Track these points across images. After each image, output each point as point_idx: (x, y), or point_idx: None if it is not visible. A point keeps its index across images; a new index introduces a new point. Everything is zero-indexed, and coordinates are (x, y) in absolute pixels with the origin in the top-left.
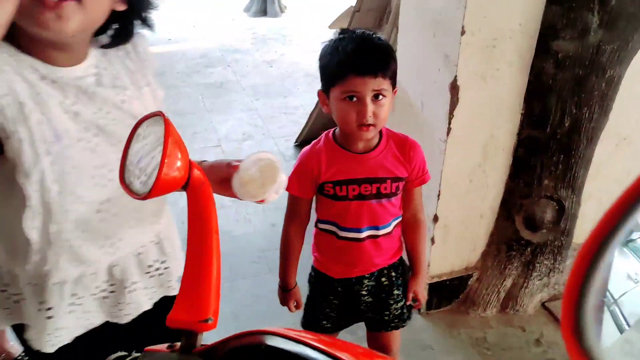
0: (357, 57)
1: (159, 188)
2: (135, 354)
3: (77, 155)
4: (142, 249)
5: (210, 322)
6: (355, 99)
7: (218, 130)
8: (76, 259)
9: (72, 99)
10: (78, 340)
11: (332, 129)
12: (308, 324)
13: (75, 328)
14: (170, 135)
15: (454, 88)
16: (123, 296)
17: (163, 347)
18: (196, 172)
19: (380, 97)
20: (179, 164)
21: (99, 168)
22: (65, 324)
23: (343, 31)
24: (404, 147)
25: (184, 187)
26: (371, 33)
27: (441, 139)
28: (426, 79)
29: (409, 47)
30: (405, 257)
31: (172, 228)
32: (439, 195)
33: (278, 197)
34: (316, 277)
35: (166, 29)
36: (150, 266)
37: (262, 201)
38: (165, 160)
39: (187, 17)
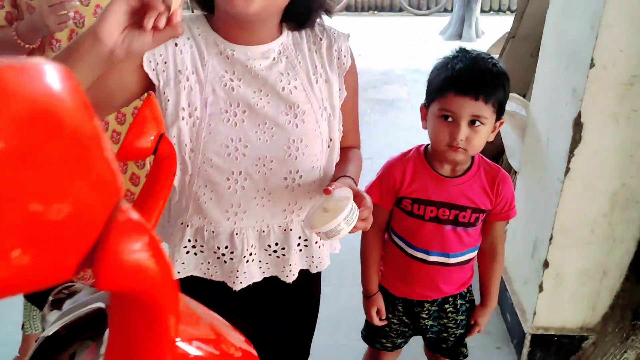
0: (461, 76)
1: (124, 152)
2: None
3: (218, 124)
4: (266, 229)
5: None
6: (450, 119)
7: (374, 144)
8: (200, 213)
9: (237, 75)
10: (197, 284)
11: (426, 144)
12: (368, 338)
13: (192, 268)
14: (142, 111)
15: (577, 125)
16: (240, 265)
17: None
18: (164, 146)
19: (478, 123)
20: (147, 135)
21: (235, 141)
22: (182, 260)
23: (460, 50)
24: (494, 179)
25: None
26: (487, 56)
27: (559, 179)
28: (554, 113)
29: (544, 78)
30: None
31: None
32: (551, 239)
33: (349, 229)
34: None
35: (360, 45)
36: (269, 246)
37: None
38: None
39: (383, 35)
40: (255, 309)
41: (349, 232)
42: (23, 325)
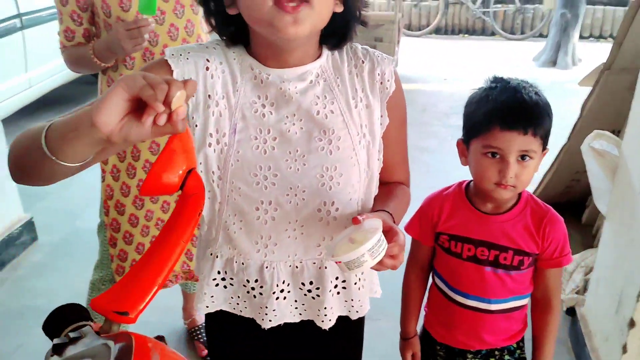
0: (507, 109)
1: (148, 186)
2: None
3: (247, 151)
4: (299, 265)
5: (126, 315)
6: (497, 156)
7: (450, 173)
8: (230, 243)
9: (269, 100)
10: (228, 320)
11: (467, 181)
12: None
13: (222, 302)
14: (170, 144)
15: None
16: (270, 301)
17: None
18: (192, 182)
19: (527, 158)
20: (175, 170)
21: (264, 169)
22: (211, 292)
23: (496, 79)
24: (541, 220)
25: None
26: (528, 84)
27: None
28: None
29: (638, 116)
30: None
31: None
32: (639, 296)
33: (374, 263)
34: (423, 335)
35: (446, 69)
36: (303, 284)
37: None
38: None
39: (472, 59)
40: (287, 352)
41: (375, 269)
42: None
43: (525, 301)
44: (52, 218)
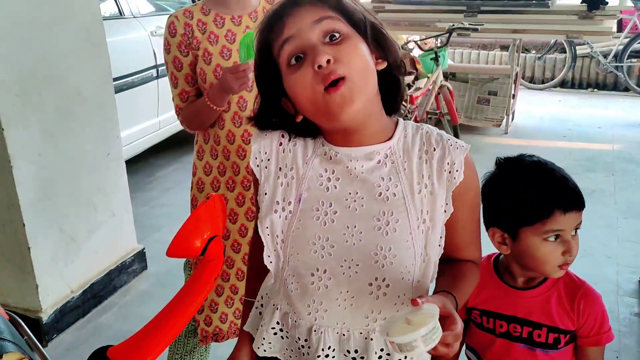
0: (564, 193)
1: (173, 249)
2: None
3: (308, 221)
4: (347, 333)
5: None
6: (558, 237)
7: None
8: (288, 299)
9: (335, 175)
10: None
11: (496, 254)
12: None
13: (277, 350)
14: (197, 211)
15: None
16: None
17: None
18: (213, 248)
19: (577, 230)
20: (198, 236)
21: (322, 239)
22: (269, 339)
23: (524, 162)
24: (574, 295)
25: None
26: (543, 160)
27: None
28: None
29: None
30: None
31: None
32: None
33: (426, 349)
34: None
35: (567, 125)
36: (349, 351)
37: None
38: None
39: (596, 116)
40: None
41: (428, 353)
42: None
43: None
44: (162, 249)
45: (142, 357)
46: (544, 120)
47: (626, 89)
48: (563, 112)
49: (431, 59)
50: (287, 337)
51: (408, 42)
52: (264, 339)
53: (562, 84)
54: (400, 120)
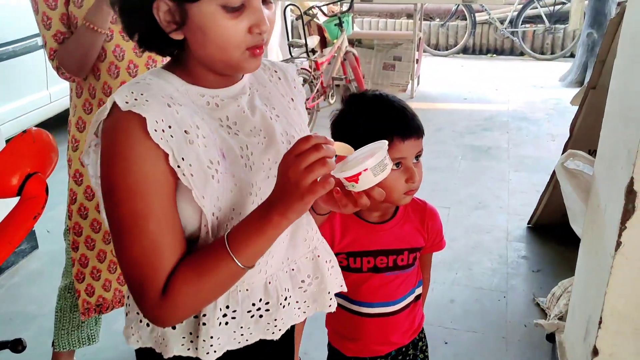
0: (402, 121)
1: None
2: None
3: (240, 172)
4: (295, 266)
5: None
6: (400, 165)
7: (455, 194)
8: None
9: (231, 120)
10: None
11: None
12: None
13: (226, 341)
14: (9, 146)
15: (630, 193)
16: (278, 312)
17: None
18: (31, 186)
19: (419, 157)
20: (12, 172)
21: (255, 186)
22: (217, 335)
23: (377, 96)
24: (423, 215)
25: (18, 194)
26: (386, 94)
27: (610, 254)
28: (611, 178)
29: (607, 136)
30: None
31: (325, 244)
32: (600, 322)
33: (376, 181)
34: (330, 353)
35: (468, 88)
36: (303, 281)
37: (356, 179)
38: None
39: (494, 79)
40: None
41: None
42: (53, 343)
43: (419, 290)
44: (56, 228)
45: None
46: (447, 85)
47: (522, 53)
48: (465, 77)
49: (335, 25)
50: (234, 317)
51: (312, 7)
52: (211, 337)
53: (465, 50)
54: None
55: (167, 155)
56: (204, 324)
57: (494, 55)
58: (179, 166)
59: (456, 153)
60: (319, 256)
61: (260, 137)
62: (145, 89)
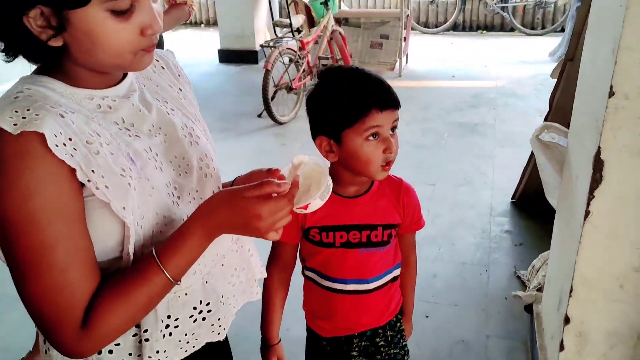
0: (379, 92)
1: None
2: None
3: (154, 174)
4: (224, 261)
5: None
6: (377, 136)
7: (441, 170)
8: None
9: (128, 122)
10: None
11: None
12: None
13: (172, 352)
14: None
15: (598, 162)
16: (219, 311)
17: None
18: None
19: (395, 129)
20: None
21: (170, 186)
22: (163, 348)
23: (353, 70)
24: (399, 191)
25: None
26: (362, 68)
27: (579, 223)
28: (581, 149)
29: (578, 107)
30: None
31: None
32: (571, 291)
33: (323, 204)
34: (308, 335)
35: (457, 65)
36: (232, 275)
37: (305, 207)
38: None
39: (484, 56)
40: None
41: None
42: None
43: (399, 271)
44: None
45: None
46: (436, 62)
47: (512, 29)
48: (454, 54)
49: (321, 4)
50: (176, 326)
51: None
52: (157, 352)
53: (454, 27)
54: None
55: (73, 171)
56: (147, 339)
57: (484, 31)
58: (89, 180)
59: (442, 130)
60: (242, 246)
61: (161, 136)
62: (29, 102)
